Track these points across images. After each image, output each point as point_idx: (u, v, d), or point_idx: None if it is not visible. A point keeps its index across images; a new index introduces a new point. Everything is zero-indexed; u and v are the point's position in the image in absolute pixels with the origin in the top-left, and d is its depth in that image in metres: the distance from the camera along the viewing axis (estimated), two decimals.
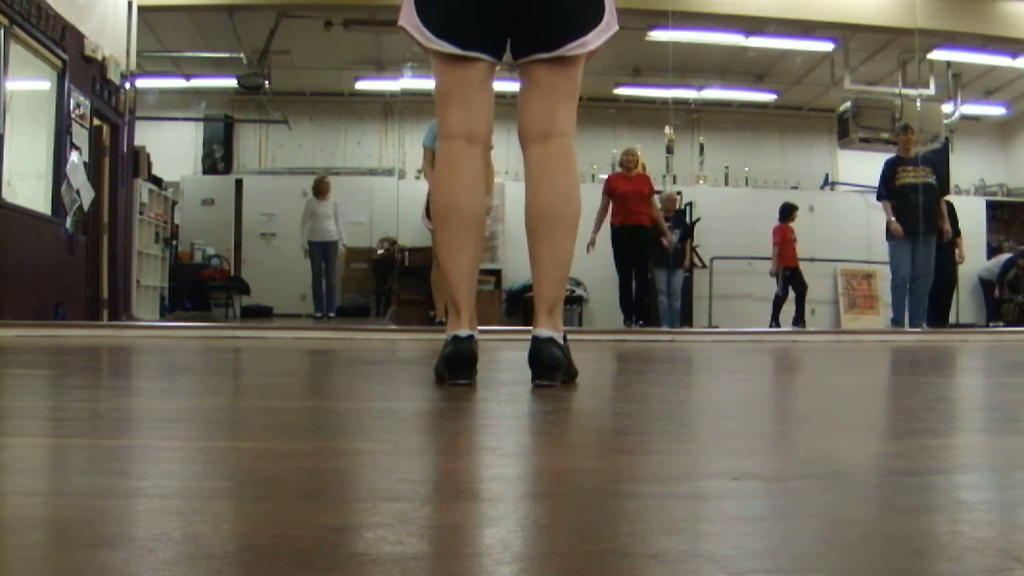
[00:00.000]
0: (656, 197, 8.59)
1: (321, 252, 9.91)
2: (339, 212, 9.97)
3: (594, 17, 2.18)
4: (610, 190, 8.25)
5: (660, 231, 8.51)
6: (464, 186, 2.19)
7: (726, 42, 10.62)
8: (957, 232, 9.46)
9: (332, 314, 9.93)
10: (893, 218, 7.40)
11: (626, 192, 8.11)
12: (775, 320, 9.42)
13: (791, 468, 1.15)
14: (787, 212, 9.69)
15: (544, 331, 2.10)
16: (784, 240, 9.56)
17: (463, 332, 2.10)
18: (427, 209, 6.11)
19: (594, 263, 8.13)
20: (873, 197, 8.23)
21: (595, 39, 2.18)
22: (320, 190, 9.93)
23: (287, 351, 4.11)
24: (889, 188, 7.45)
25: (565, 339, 2.15)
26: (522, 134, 2.24)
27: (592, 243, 7.97)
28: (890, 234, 7.44)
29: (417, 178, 10.81)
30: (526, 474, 1.16)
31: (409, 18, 2.20)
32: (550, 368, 2.07)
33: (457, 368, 2.07)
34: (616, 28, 2.22)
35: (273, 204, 11.33)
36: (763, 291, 9.90)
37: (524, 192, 2.21)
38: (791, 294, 9.55)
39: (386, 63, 11.29)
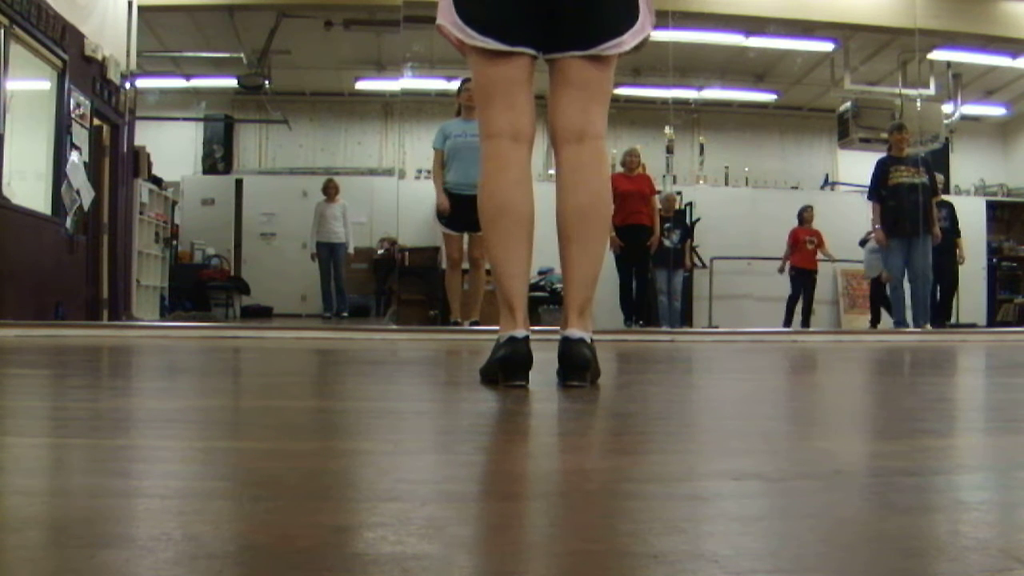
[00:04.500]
0: (656, 197, 8.58)
1: (328, 252, 9.95)
2: (348, 215, 9.99)
3: (630, 17, 2.18)
4: (611, 189, 8.20)
5: (651, 232, 8.44)
6: (512, 185, 2.17)
7: (726, 42, 10.62)
8: (957, 233, 9.46)
9: (345, 313, 9.96)
10: (879, 225, 7.40)
11: (627, 192, 8.09)
12: (788, 321, 9.49)
13: (791, 468, 1.15)
14: (798, 214, 9.94)
15: (575, 332, 2.09)
16: (794, 241, 9.75)
17: (519, 333, 2.08)
18: (439, 210, 6.04)
19: None
20: None
21: (631, 39, 2.18)
22: (327, 192, 9.97)
23: (287, 351, 4.10)
24: (882, 188, 7.42)
25: (591, 339, 2.14)
26: (555, 135, 2.22)
27: (614, 243, 7.87)
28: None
29: (417, 178, 10.83)
30: (526, 474, 1.16)
31: (448, 16, 2.17)
32: (581, 368, 2.07)
33: (514, 370, 2.05)
34: (651, 30, 2.22)
35: (273, 204, 11.33)
36: (763, 291, 9.93)
37: (555, 194, 2.20)
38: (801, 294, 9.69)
39: (386, 63, 11.28)
